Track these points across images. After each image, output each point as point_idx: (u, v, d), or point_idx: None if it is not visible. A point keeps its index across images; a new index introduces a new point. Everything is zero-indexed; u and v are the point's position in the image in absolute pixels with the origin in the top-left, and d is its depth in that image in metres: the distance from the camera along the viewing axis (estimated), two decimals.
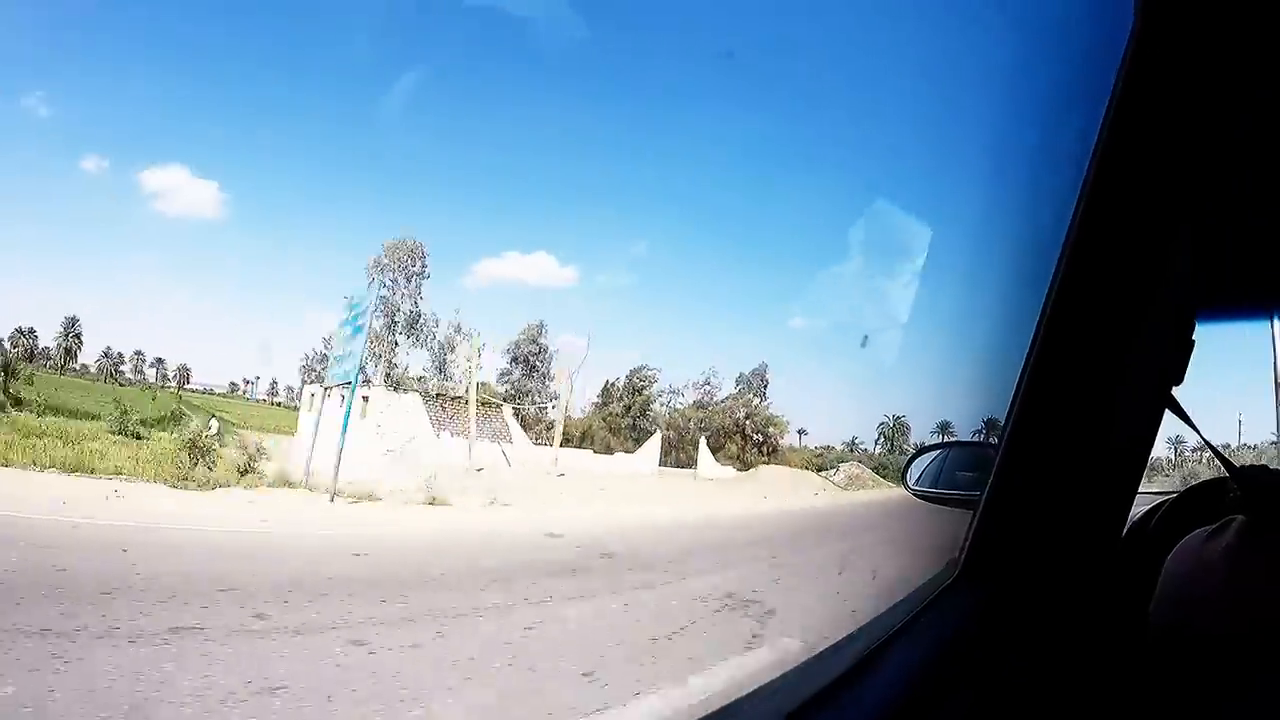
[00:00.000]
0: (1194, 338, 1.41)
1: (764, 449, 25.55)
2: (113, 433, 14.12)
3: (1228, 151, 1.34)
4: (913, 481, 2.67)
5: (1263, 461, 1.51)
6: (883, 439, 32.50)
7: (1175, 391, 1.43)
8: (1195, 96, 1.31)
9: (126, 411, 15.20)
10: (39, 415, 14.72)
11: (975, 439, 4.47)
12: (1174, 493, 1.84)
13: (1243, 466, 1.47)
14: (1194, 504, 1.62)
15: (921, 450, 2.64)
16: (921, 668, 1.11)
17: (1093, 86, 1.40)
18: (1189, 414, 1.45)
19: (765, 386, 26.71)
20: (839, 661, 1.06)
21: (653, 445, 21.95)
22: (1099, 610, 1.36)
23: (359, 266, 20.08)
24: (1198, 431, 1.51)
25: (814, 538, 11.67)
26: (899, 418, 30.15)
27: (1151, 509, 1.76)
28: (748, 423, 25.41)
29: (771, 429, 25.79)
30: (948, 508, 2.38)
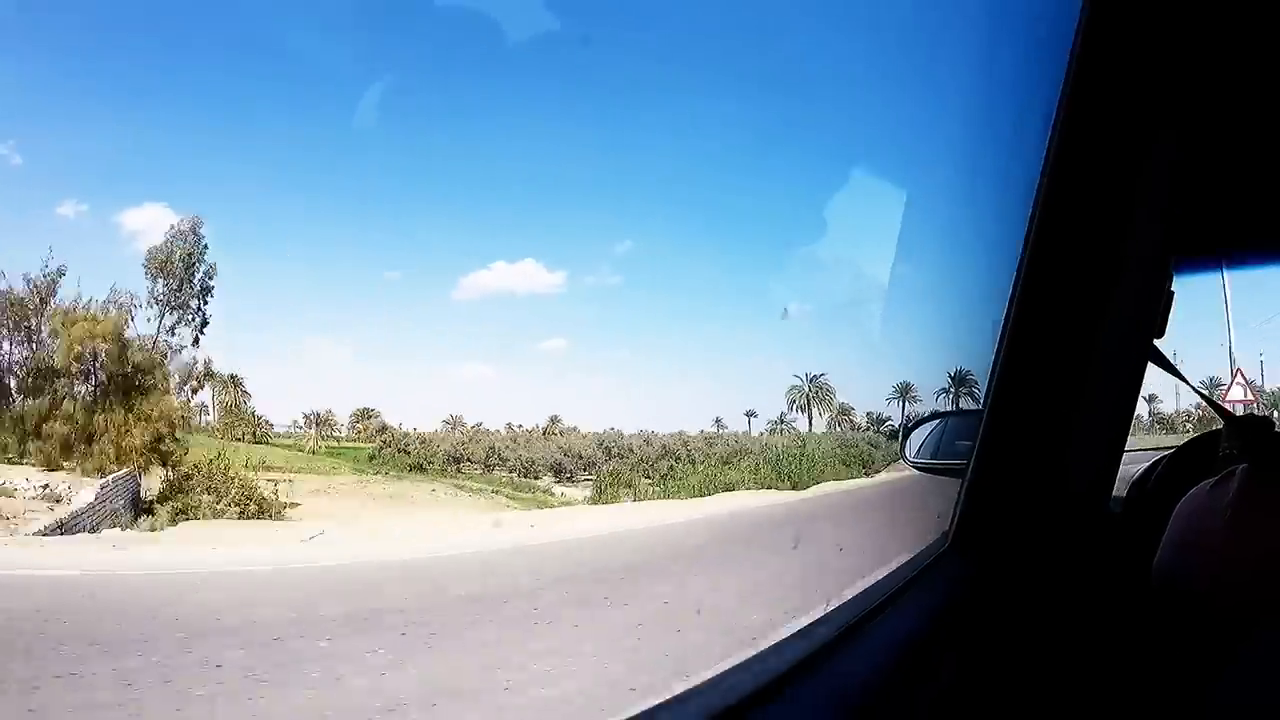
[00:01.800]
0: (1173, 289, 1.39)
1: None
2: None
3: (1198, 98, 1.32)
4: (911, 453, 2.67)
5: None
6: (797, 410, 24.67)
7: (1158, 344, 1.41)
8: (1160, 45, 1.28)
9: None
10: None
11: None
12: (1170, 448, 1.82)
13: (1239, 416, 1.44)
14: (1192, 458, 1.60)
15: (919, 420, 2.64)
16: (907, 637, 1.10)
17: (1058, 36, 1.38)
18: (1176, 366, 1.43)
19: None
20: (824, 632, 1.05)
21: None
22: (1092, 570, 1.35)
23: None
24: (1187, 382, 1.49)
25: None
26: (816, 377, 24.04)
27: (1150, 465, 1.74)
28: None
29: None
30: (948, 478, 2.37)
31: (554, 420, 25.06)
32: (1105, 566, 1.35)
